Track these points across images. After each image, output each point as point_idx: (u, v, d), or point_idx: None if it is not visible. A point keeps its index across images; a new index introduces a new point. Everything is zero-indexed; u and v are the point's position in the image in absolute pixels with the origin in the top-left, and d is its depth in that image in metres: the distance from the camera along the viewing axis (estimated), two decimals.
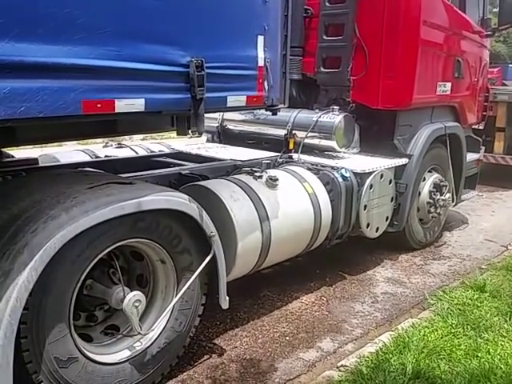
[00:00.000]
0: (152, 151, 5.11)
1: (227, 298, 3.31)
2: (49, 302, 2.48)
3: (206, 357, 3.49)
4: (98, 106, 2.46)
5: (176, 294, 3.09)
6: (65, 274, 2.53)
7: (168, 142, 6.01)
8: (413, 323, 3.85)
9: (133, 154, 4.96)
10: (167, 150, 5.17)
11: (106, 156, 4.70)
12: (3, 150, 3.78)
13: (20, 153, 4.47)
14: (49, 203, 2.52)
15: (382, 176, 4.75)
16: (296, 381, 3.30)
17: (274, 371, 3.38)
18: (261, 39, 3.30)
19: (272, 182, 3.87)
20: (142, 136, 8.26)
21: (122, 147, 5.18)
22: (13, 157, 3.99)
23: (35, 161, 3.91)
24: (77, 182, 2.80)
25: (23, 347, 2.42)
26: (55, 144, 5.40)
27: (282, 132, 5.03)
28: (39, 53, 2.20)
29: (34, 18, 2.18)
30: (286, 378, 3.32)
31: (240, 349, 3.62)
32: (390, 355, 3.37)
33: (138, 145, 5.43)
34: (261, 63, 3.34)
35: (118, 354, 2.92)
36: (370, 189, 4.64)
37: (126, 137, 6.51)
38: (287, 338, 3.79)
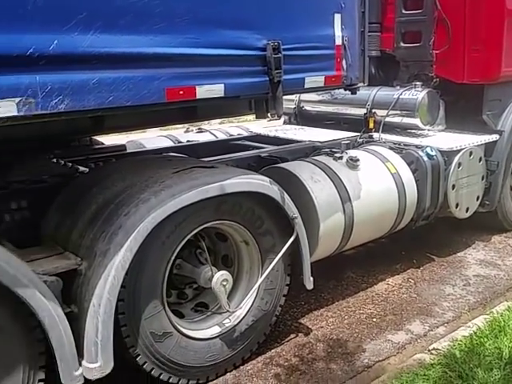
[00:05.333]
0: (231, 135, 5.23)
1: (311, 278, 3.33)
2: (143, 280, 2.64)
3: (292, 335, 3.54)
4: (181, 92, 2.57)
5: (261, 275, 3.16)
6: (156, 254, 2.68)
7: (246, 125, 6.09)
8: (508, 306, 3.66)
9: (213, 139, 5.10)
10: (246, 134, 5.27)
11: (187, 141, 4.89)
12: (93, 137, 4.04)
13: (108, 139, 4.73)
14: (139, 188, 2.68)
15: (471, 154, 4.54)
16: (386, 362, 3.26)
17: (361, 352, 3.36)
18: (338, 17, 3.26)
19: (353, 163, 3.82)
20: (219, 120, 8.43)
21: (202, 132, 5.35)
22: (103, 144, 4.25)
23: (123, 147, 4.15)
24: (163, 167, 2.94)
25: (121, 322, 2.59)
26: (139, 130, 5.66)
27: (361, 111, 4.93)
28: (123, 44, 2.33)
29: (115, 10, 2.30)
30: (375, 359, 3.29)
31: (326, 329, 3.62)
32: (485, 339, 3.23)
33: (217, 129, 5.57)
34: (338, 42, 3.31)
35: (208, 330, 3.05)
36: (459, 167, 4.45)
37: (204, 121, 6.71)
38: (374, 319, 3.74)
